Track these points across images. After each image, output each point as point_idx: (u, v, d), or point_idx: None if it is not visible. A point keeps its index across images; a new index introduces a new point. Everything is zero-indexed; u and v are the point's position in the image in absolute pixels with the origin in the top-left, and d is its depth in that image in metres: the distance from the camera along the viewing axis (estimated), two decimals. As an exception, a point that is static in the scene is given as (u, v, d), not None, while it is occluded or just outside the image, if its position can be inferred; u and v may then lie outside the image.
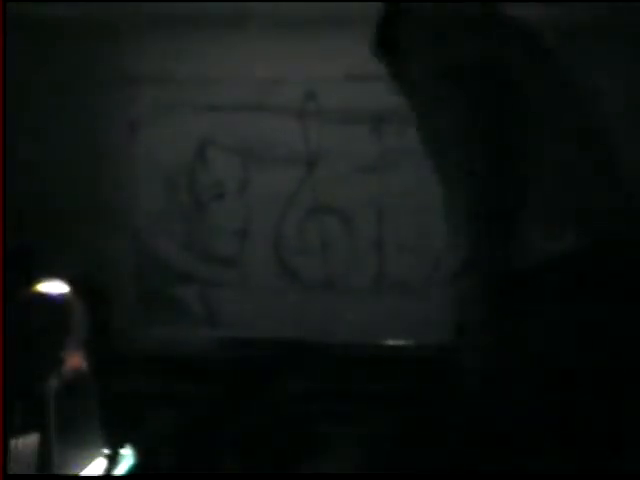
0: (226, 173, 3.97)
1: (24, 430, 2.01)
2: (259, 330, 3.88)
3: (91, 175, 3.93)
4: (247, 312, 3.92)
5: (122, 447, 2.37)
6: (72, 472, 2.18)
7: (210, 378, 3.72)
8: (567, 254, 1.86)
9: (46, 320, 2.10)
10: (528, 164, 2.08)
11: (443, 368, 3.74)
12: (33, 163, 3.85)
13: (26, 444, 2.01)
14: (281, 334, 3.87)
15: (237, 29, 3.86)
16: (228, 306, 3.94)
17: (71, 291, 2.19)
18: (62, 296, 2.17)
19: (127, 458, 2.40)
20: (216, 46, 3.92)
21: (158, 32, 3.89)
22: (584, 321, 1.85)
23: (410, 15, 2.38)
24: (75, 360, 2.21)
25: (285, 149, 3.93)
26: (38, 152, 3.87)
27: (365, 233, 3.92)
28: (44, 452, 2.04)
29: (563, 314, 1.87)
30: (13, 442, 1.99)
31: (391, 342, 3.85)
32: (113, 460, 2.32)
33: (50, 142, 3.91)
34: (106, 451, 2.36)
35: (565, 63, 2.32)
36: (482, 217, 2.06)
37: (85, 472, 2.25)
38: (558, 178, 2.04)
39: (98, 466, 2.32)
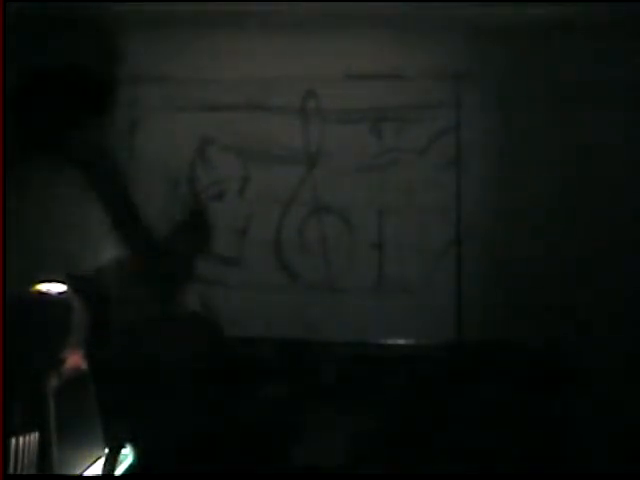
0: (226, 173, 3.97)
1: (24, 430, 2.01)
2: (259, 330, 3.88)
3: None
4: (247, 312, 3.91)
5: (122, 447, 2.37)
6: (72, 472, 2.18)
7: (210, 377, 3.72)
8: None
9: (46, 320, 2.10)
10: None
11: (442, 367, 3.76)
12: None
13: (26, 444, 2.01)
14: (281, 334, 3.87)
15: (237, 29, 3.87)
16: (228, 306, 3.94)
17: (71, 291, 2.19)
18: (62, 296, 2.17)
19: (127, 458, 2.40)
20: (216, 46, 3.93)
21: (158, 32, 3.90)
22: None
23: None
24: (75, 360, 2.21)
25: (285, 149, 3.93)
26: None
27: (365, 233, 3.92)
28: (44, 452, 2.04)
29: None
30: (13, 442, 1.99)
31: (391, 341, 3.85)
32: (113, 460, 2.32)
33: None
34: (106, 451, 2.36)
35: None
36: None
37: (85, 472, 2.25)
38: None
39: (98, 466, 2.32)
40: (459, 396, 3.65)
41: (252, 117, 3.93)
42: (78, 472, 2.21)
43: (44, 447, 2.04)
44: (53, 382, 2.09)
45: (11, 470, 1.99)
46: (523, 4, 3.65)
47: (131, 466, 2.36)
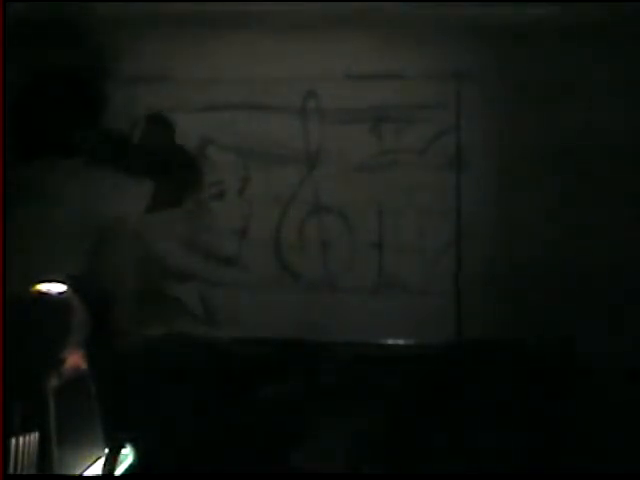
0: (226, 172, 3.97)
1: (24, 430, 2.01)
2: (259, 330, 3.88)
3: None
4: (247, 312, 3.91)
5: (122, 447, 2.36)
6: (72, 472, 2.18)
7: (210, 377, 3.72)
8: None
9: (46, 320, 2.10)
10: None
11: (443, 367, 3.76)
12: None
13: (26, 444, 2.01)
14: (281, 334, 3.87)
15: (237, 29, 3.87)
16: (228, 306, 3.94)
17: (71, 291, 2.19)
18: (62, 296, 2.17)
19: (127, 458, 2.40)
20: (216, 46, 3.93)
21: (158, 32, 3.90)
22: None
23: None
24: (75, 360, 2.21)
25: (285, 148, 3.93)
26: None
27: (365, 233, 3.92)
28: (44, 452, 2.04)
29: None
30: (13, 442, 1.99)
31: (391, 341, 3.85)
32: (113, 460, 2.32)
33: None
34: (106, 451, 2.36)
35: None
36: None
37: (85, 472, 2.25)
38: None
39: (98, 466, 2.32)
40: (459, 395, 3.65)
41: (252, 117, 3.93)
42: (78, 472, 2.21)
43: (44, 447, 2.04)
44: (53, 382, 2.09)
45: (11, 470, 1.99)
46: (523, 4, 3.66)
47: (131, 466, 2.36)
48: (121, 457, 2.36)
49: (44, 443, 2.05)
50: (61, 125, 3.64)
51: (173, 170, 3.88)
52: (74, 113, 3.63)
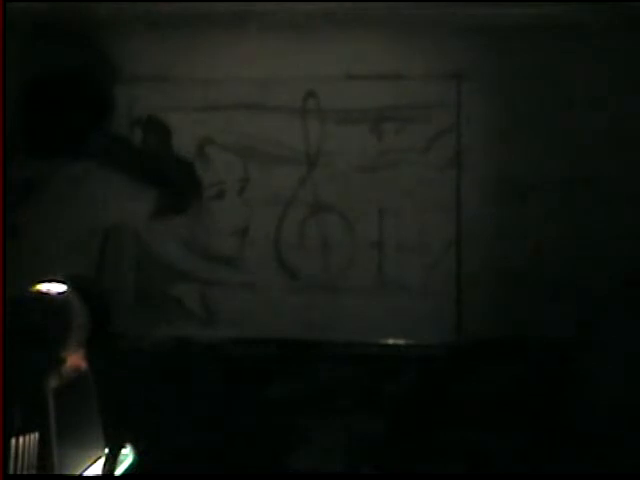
0: (226, 172, 3.98)
1: (24, 430, 2.01)
2: (259, 330, 3.88)
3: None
4: (247, 312, 3.92)
5: (122, 447, 2.37)
6: (72, 472, 2.18)
7: (210, 378, 3.72)
8: None
9: (46, 320, 2.10)
10: None
11: (443, 367, 3.76)
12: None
13: (26, 444, 2.01)
14: (281, 334, 3.87)
15: (237, 29, 3.87)
16: (228, 306, 3.94)
17: (71, 291, 2.19)
18: (62, 296, 2.17)
19: (127, 458, 2.40)
20: (216, 46, 3.93)
21: (158, 32, 3.90)
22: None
23: None
24: (75, 360, 2.21)
25: (285, 149, 3.93)
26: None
27: (365, 233, 3.92)
28: (44, 452, 2.04)
29: None
30: (13, 442, 1.99)
31: (391, 341, 3.85)
32: (113, 460, 2.32)
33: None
34: (106, 451, 2.36)
35: None
36: None
37: (85, 472, 2.25)
38: None
39: (98, 466, 2.32)
40: (459, 395, 3.65)
41: (252, 117, 3.93)
42: (78, 472, 2.21)
43: (44, 447, 2.04)
44: (53, 382, 2.09)
45: (11, 470, 1.99)
46: (524, 4, 3.66)
47: (131, 466, 2.36)
48: (121, 457, 2.35)
49: (44, 443, 2.05)
50: (63, 127, 3.65)
51: (174, 174, 3.87)
52: (76, 114, 3.63)
